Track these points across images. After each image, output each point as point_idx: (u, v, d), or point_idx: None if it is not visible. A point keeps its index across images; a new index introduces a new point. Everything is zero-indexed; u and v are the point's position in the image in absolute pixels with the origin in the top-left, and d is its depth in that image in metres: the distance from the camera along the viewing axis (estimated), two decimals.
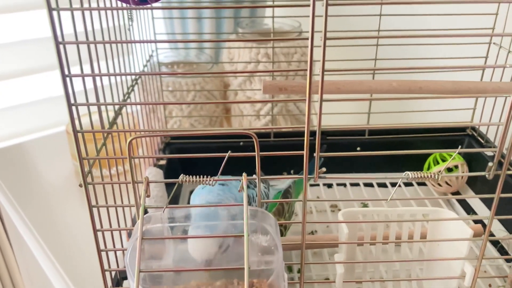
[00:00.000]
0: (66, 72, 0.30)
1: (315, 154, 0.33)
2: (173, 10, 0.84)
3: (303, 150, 0.34)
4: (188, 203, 0.63)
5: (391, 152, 0.37)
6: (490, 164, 0.35)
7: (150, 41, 0.33)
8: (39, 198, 0.71)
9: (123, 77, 0.49)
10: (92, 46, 0.36)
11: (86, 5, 0.36)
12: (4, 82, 1.00)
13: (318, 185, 0.68)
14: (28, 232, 0.64)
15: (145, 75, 0.59)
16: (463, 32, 0.62)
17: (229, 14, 0.90)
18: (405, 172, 0.35)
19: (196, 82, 0.75)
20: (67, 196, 0.71)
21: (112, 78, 0.41)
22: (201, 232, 0.35)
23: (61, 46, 0.30)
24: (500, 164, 0.35)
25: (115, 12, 0.45)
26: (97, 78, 0.37)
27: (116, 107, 0.44)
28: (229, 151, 0.34)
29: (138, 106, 0.68)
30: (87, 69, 0.35)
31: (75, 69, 0.33)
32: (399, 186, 0.68)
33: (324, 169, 0.33)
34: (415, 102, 0.82)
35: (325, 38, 0.29)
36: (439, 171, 0.65)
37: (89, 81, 0.36)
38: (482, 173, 0.36)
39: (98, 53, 0.38)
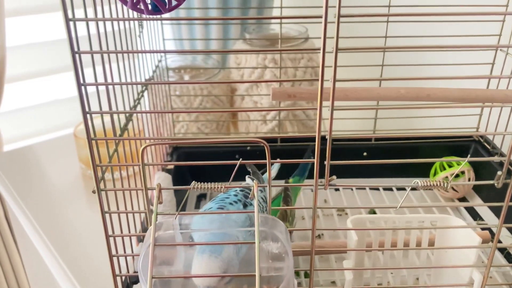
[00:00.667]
0: (82, 81, 0.31)
1: (325, 162, 0.34)
2: (180, 15, 0.85)
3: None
4: (197, 209, 0.63)
5: (397, 160, 0.37)
6: (499, 173, 0.35)
7: (160, 51, 0.34)
8: (46, 200, 0.72)
9: (135, 78, 0.50)
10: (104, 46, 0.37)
11: (99, 9, 0.37)
12: (12, 84, 1.01)
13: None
14: (36, 234, 0.64)
15: (153, 81, 0.60)
16: (469, 43, 0.62)
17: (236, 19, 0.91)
18: (414, 180, 0.35)
19: (203, 86, 0.76)
20: (75, 199, 0.72)
21: (126, 78, 0.42)
22: (206, 258, 0.34)
23: (76, 56, 0.30)
24: (509, 173, 0.35)
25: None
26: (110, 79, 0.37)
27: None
28: (240, 159, 0.34)
29: (146, 110, 0.68)
30: (98, 72, 0.36)
31: (87, 72, 0.34)
32: (405, 191, 0.68)
33: (334, 177, 0.33)
34: (422, 107, 0.83)
35: (337, 50, 0.30)
36: (446, 177, 0.65)
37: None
38: (491, 182, 0.36)
39: (110, 58, 0.38)
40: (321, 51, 0.29)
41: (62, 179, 0.77)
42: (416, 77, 0.40)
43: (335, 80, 0.31)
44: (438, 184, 0.34)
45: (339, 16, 0.29)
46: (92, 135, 0.33)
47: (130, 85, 0.48)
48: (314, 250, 0.38)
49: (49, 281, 0.69)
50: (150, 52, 0.34)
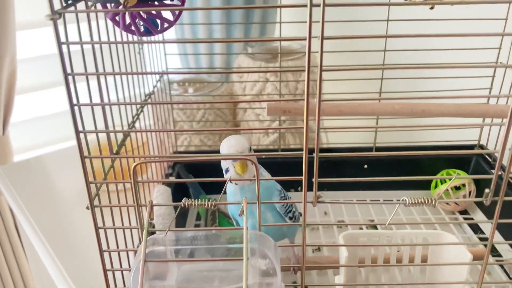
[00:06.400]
0: (75, 101, 0.32)
1: (313, 179, 0.34)
2: (184, 30, 0.86)
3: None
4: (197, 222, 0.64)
5: (392, 178, 0.38)
6: (487, 190, 0.35)
7: (158, 73, 0.35)
8: (52, 211, 0.73)
9: (135, 91, 0.51)
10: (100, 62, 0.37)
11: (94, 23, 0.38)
12: (23, 95, 1.03)
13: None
14: (41, 246, 0.65)
15: (155, 95, 0.61)
16: (469, 56, 0.62)
17: (239, 34, 0.92)
18: (402, 198, 0.35)
19: (206, 99, 0.77)
20: (80, 211, 0.73)
21: (124, 92, 0.43)
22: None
23: (69, 77, 0.31)
24: (509, 187, 0.35)
25: (124, 33, 0.47)
26: (106, 96, 0.38)
27: (125, 128, 0.45)
28: (230, 176, 0.35)
29: (149, 121, 0.69)
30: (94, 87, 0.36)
31: (83, 86, 0.34)
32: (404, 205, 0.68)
33: (321, 194, 0.34)
34: (423, 119, 0.83)
35: (321, 69, 0.30)
36: (447, 190, 0.65)
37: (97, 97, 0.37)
38: (480, 199, 0.36)
39: (106, 76, 0.39)
40: (306, 69, 0.30)
41: (69, 190, 0.78)
42: (412, 97, 0.41)
43: (320, 100, 0.32)
44: (426, 202, 0.34)
45: (323, 35, 0.29)
46: (86, 153, 0.34)
47: (131, 97, 0.49)
48: (306, 266, 0.38)
49: None
50: (147, 73, 0.35)
